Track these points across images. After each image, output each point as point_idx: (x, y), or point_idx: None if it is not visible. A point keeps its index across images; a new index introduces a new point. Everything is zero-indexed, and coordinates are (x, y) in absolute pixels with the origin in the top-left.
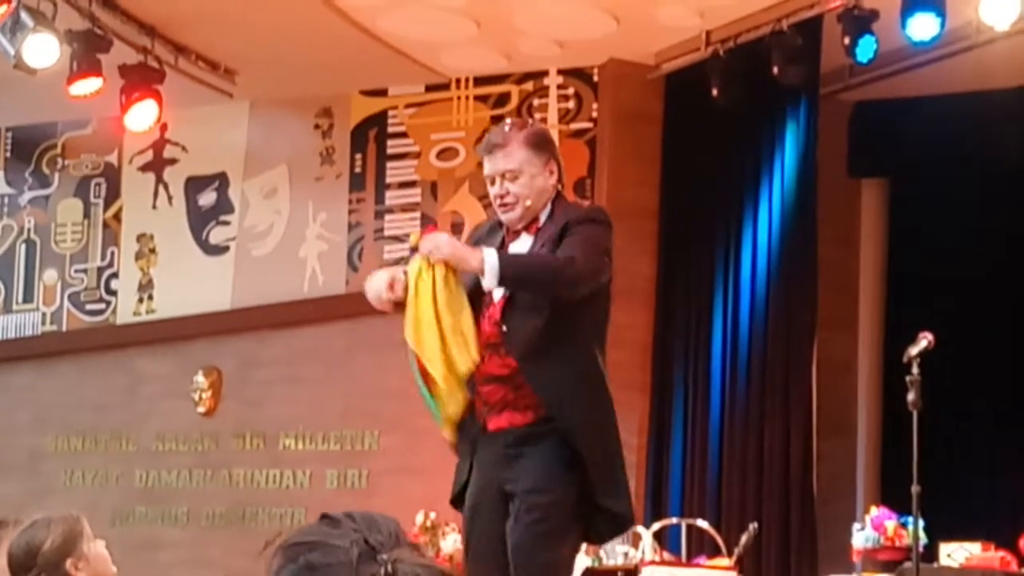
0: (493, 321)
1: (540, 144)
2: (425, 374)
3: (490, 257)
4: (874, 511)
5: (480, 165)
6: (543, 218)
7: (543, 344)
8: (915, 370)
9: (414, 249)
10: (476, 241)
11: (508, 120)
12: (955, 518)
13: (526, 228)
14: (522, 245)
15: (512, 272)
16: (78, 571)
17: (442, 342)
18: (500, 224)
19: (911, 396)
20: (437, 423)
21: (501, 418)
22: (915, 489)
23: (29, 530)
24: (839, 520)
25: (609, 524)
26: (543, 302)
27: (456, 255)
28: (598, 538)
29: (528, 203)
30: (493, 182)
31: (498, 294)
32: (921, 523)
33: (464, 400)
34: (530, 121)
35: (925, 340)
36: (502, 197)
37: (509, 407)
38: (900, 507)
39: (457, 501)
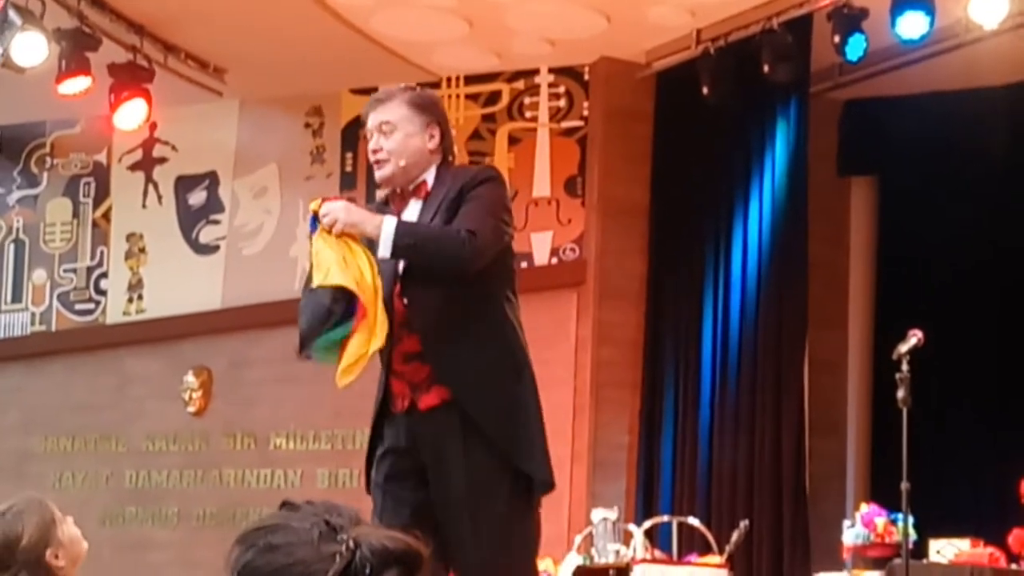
0: (400, 297)
1: (423, 106)
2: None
3: (387, 225)
4: (864, 508)
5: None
6: (430, 182)
7: (447, 317)
8: (904, 367)
9: (315, 215)
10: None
11: (401, 85)
12: (944, 514)
13: (415, 193)
14: (412, 212)
15: (407, 242)
16: (58, 560)
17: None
18: (387, 202)
19: (900, 393)
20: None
21: (431, 395)
22: (904, 486)
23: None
24: (829, 517)
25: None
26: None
27: (351, 221)
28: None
29: (401, 163)
30: (370, 136)
31: (404, 265)
32: (911, 520)
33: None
34: (420, 88)
35: (914, 337)
36: (375, 152)
37: (436, 382)
38: (890, 504)
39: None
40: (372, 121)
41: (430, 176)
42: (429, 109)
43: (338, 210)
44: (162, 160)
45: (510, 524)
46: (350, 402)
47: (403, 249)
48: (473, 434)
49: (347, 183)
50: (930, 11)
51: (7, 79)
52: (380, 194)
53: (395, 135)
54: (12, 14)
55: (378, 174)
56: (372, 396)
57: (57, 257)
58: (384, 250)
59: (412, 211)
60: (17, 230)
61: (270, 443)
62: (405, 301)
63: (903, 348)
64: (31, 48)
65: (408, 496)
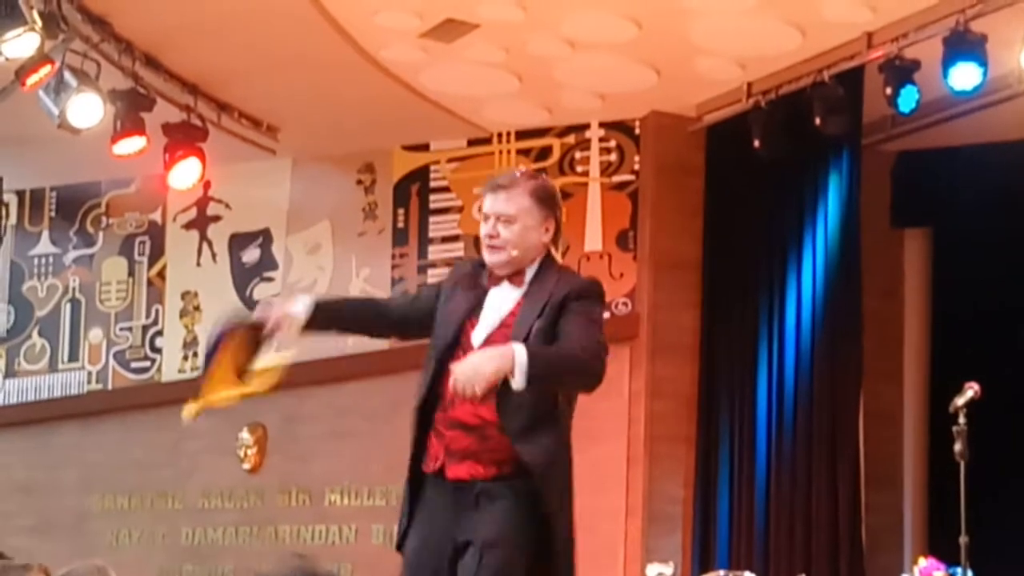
0: None
1: (545, 199)
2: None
3: (520, 355)
4: (922, 562)
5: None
6: (529, 273)
7: (533, 412)
8: (961, 420)
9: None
10: (456, 279)
11: (521, 167)
12: (1004, 568)
13: (509, 278)
14: (503, 293)
15: (541, 371)
16: None
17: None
18: (483, 265)
19: (958, 446)
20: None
21: (462, 467)
22: (963, 540)
23: None
24: (887, 571)
25: None
26: None
27: (489, 377)
28: None
29: (515, 252)
30: (487, 220)
31: (480, 339)
32: (970, 574)
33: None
34: (543, 175)
35: (971, 390)
36: (491, 237)
37: (471, 458)
38: (948, 558)
39: (403, 546)
40: (492, 206)
41: (531, 268)
42: (549, 203)
43: (471, 375)
44: (216, 218)
45: None
46: (404, 458)
47: (538, 379)
48: (485, 516)
49: (399, 239)
50: (983, 62)
51: (63, 140)
52: (437, 251)
53: (514, 226)
54: (68, 76)
55: (490, 258)
56: None
57: (113, 316)
58: (520, 382)
59: (504, 294)
60: (73, 289)
61: (325, 499)
62: (499, 390)
63: (960, 401)
64: (87, 109)
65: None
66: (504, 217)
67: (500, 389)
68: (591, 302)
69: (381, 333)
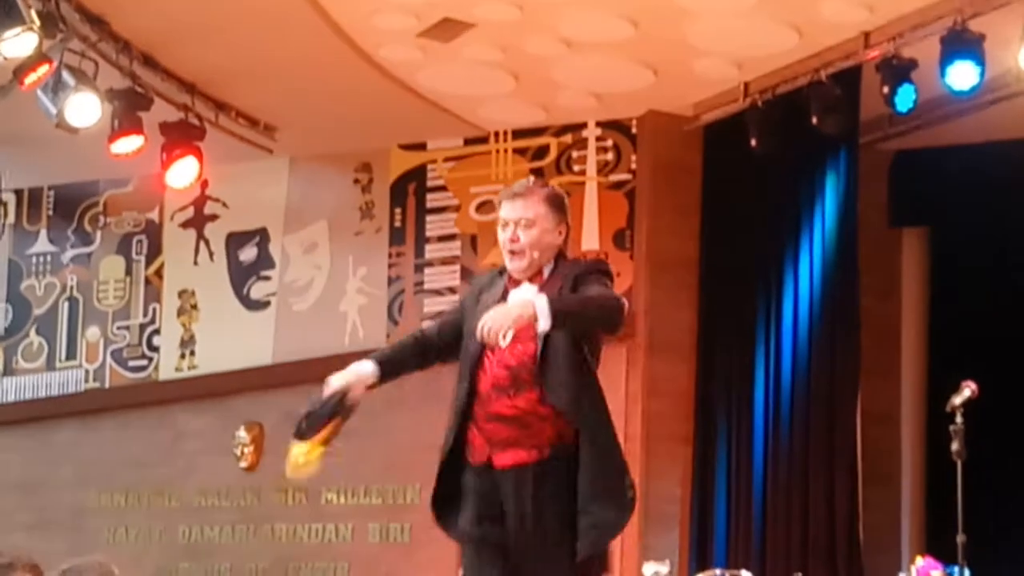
0: (503, 365)
1: (558, 205)
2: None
3: (539, 298)
4: (919, 561)
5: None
6: (546, 272)
7: (574, 383)
8: (958, 419)
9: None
10: (479, 290)
11: (532, 177)
12: (1000, 568)
13: (529, 279)
14: (524, 293)
15: (562, 307)
16: None
17: None
18: (501, 273)
19: (955, 445)
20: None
21: (506, 455)
22: (960, 539)
23: None
24: (884, 570)
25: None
26: (571, 349)
27: (511, 323)
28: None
29: (535, 255)
30: (506, 226)
31: (508, 338)
32: (967, 573)
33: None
34: (552, 184)
35: (968, 389)
36: (512, 242)
37: (514, 445)
38: (945, 557)
39: (437, 506)
40: (510, 213)
41: (548, 267)
42: (562, 208)
43: (497, 322)
44: (213, 217)
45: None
46: (401, 457)
47: (562, 315)
48: (544, 496)
49: (396, 238)
50: (980, 61)
51: (61, 139)
52: (434, 250)
53: (533, 230)
54: (66, 75)
55: (512, 263)
56: (420, 453)
57: (110, 314)
58: (545, 322)
59: (524, 292)
60: (71, 288)
61: (322, 498)
62: (542, 373)
63: (957, 400)
64: (84, 108)
65: (498, 554)
66: (524, 221)
67: (540, 366)
68: (600, 273)
69: (430, 365)
